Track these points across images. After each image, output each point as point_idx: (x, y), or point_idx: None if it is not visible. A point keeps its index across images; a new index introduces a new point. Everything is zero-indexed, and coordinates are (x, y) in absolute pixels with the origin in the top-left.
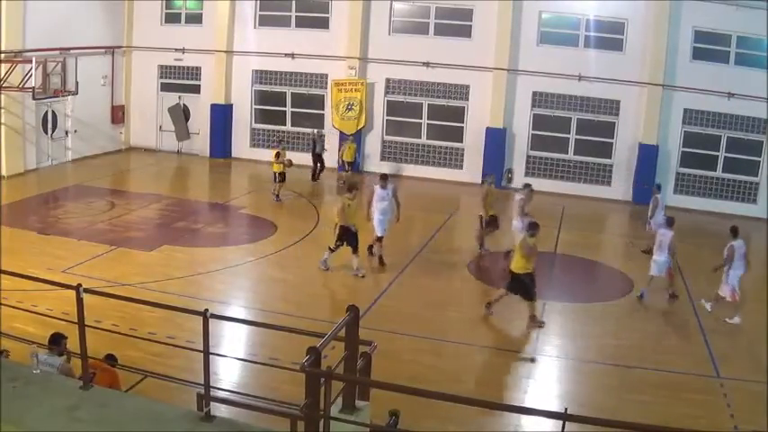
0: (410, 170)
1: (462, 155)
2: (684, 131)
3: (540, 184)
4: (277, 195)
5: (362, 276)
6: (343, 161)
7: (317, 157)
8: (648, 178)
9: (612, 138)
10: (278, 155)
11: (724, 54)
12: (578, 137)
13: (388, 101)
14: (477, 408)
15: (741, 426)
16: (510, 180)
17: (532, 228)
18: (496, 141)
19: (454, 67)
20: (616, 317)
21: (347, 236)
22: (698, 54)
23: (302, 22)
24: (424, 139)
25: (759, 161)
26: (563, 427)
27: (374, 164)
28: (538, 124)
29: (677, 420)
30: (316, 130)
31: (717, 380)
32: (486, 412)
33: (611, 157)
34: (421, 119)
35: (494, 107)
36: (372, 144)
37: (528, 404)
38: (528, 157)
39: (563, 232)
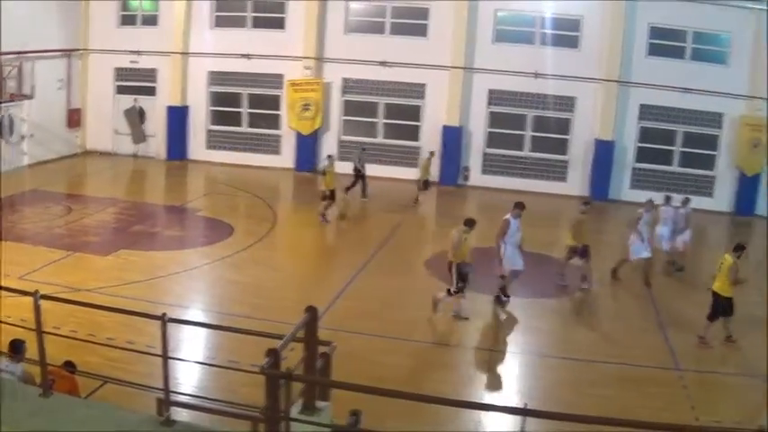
0: (367, 169)
1: (419, 154)
2: (641, 127)
3: (496, 181)
4: (323, 216)
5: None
6: (420, 179)
7: (358, 173)
8: (604, 174)
9: (568, 134)
10: (324, 173)
11: (680, 50)
12: (534, 134)
13: (344, 100)
14: (438, 405)
15: (702, 417)
16: (466, 178)
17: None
18: (453, 139)
19: (410, 66)
20: (574, 311)
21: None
22: (654, 50)
23: (258, 23)
24: (380, 139)
25: (715, 155)
26: (523, 422)
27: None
28: (494, 122)
29: (638, 413)
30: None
31: (677, 372)
32: (447, 410)
33: (566, 154)
34: (377, 118)
35: (450, 105)
36: (329, 144)
37: (488, 401)
38: (484, 154)
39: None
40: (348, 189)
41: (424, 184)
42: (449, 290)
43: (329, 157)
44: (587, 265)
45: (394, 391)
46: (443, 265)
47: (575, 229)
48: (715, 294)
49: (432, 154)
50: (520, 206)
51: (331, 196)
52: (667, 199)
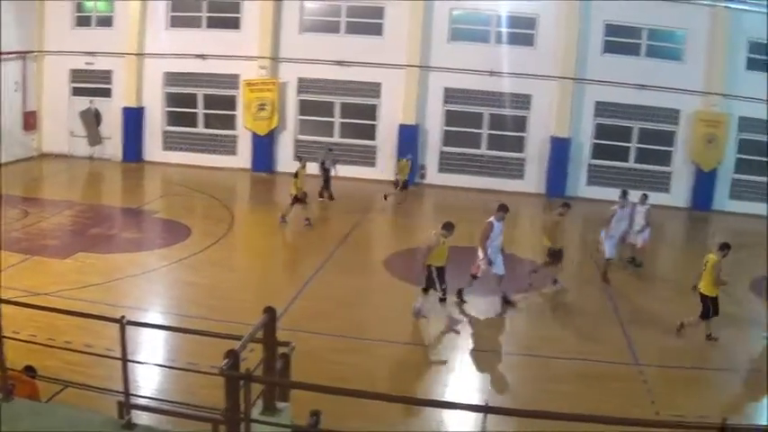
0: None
1: (375, 153)
2: (597, 123)
3: (453, 179)
4: (283, 217)
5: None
6: (398, 179)
7: (326, 174)
8: (561, 171)
9: (525, 132)
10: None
11: (635, 46)
12: (491, 132)
13: (300, 100)
14: (399, 404)
15: (662, 411)
16: (423, 176)
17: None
18: (409, 138)
19: (366, 65)
20: (534, 308)
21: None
22: (609, 47)
23: (213, 23)
24: (336, 138)
25: (671, 151)
26: (484, 420)
27: (288, 164)
28: (450, 120)
29: (599, 408)
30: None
31: (636, 367)
32: (408, 409)
33: (523, 151)
34: (333, 117)
35: (406, 104)
36: (285, 144)
37: (449, 399)
38: (441, 152)
39: (478, 227)
40: (321, 193)
41: (400, 185)
42: (440, 298)
43: (300, 158)
44: (557, 268)
45: (354, 391)
46: (402, 263)
47: (550, 230)
48: (702, 295)
49: (409, 158)
50: (503, 209)
51: (302, 199)
52: (624, 194)
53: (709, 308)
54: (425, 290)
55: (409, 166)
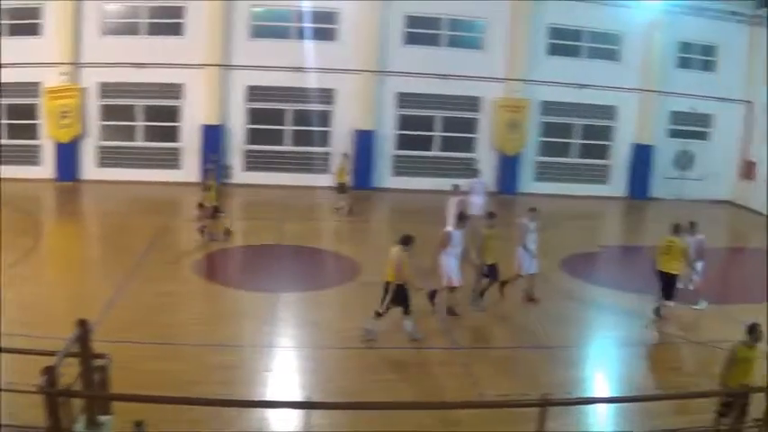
0: (127, 174)
1: (179, 155)
2: (400, 114)
3: (260, 177)
4: (202, 228)
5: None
6: (339, 182)
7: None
8: (366, 163)
9: (330, 126)
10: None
11: (436, 37)
12: (295, 128)
13: (102, 105)
14: (221, 407)
15: (485, 391)
16: (230, 176)
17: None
18: (213, 138)
19: (167, 66)
20: (346, 301)
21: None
22: (410, 38)
23: (12, 30)
24: (139, 142)
25: (475, 138)
26: (308, 416)
27: (91, 171)
28: (254, 118)
29: (424, 394)
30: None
31: (455, 351)
32: (230, 410)
33: (329, 146)
34: (136, 121)
35: (209, 104)
36: (88, 151)
37: (270, 398)
38: (245, 151)
39: (286, 223)
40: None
41: (341, 188)
42: (377, 311)
43: (208, 170)
44: (487, 283)
45: (175, 398)
46: (212, 266)
47: (481, 246)
48: (664, 273)
49: (346, 156)
50: (463, 218)
51: (212, 214)
52: (455, 187)
53: (669, 286)
54: (405, 312)
55: (348, 166)
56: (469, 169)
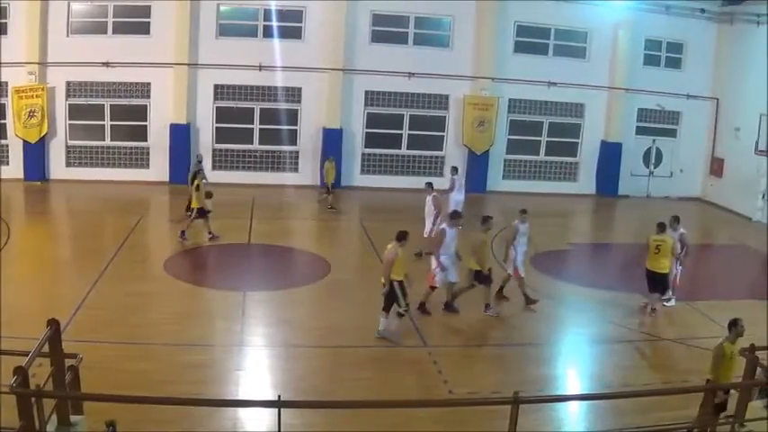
0: (95, 174)
1: (149, 154)
2: (368, 113)
3: (229, 176)
4: (183, 233)
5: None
6: (326, 183)
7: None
8: (337, 162)
9: (296, 125)
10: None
11: (403, 35)
12: (263, 126)
13: (69, 104)
14: (192, 407)
15: (455, 389)
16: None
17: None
18: (181, 137)
19: (134, 65)
20: (318, 299)
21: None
22: (377, 37)
23: None
24: (108, 141)
25: (443, 136)
26: (279, 414)
27: (60, 170)
28: (222, 117)
29: (394, 392)
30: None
31: (425, 349)
32: (202, 410)
33: (296, 144)
34: (104, 120)
35: (176, 103)
36: (56, 151)
37: (242, 397)
38: (214, 150)
39: (255, 222)
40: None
41: (328, 189)
42: (398, 312)
43: (198, 171)
44: (488, 290)
45: (146, 398)
46: (183, 265)
47: (477, 251)
48: (656, 273)
49: (332, 159)
50: (456, 216)
51: (199, 215)
52: (429, 185)
53: (659, 284)
54: (386, 309)
55: (334, 167)
56: (452, 167)
